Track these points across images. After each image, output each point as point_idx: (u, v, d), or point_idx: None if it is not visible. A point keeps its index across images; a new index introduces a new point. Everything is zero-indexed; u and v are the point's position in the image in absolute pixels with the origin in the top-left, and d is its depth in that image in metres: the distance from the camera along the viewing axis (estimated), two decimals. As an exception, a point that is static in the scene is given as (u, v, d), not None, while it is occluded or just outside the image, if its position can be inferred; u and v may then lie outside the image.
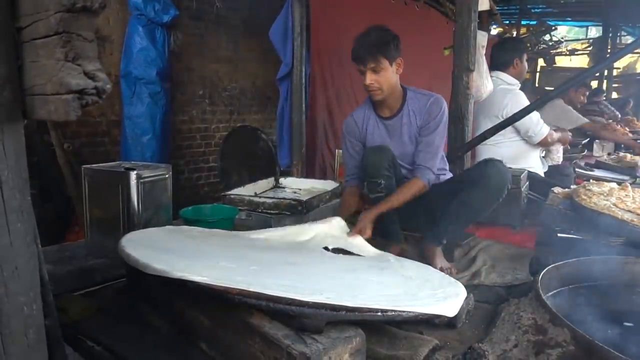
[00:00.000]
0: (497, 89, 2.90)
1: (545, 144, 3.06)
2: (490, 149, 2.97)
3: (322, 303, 0.96)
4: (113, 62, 3.66)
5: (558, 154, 3.54)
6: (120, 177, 1.84)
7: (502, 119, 2.85)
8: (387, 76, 1.91)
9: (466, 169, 2.08)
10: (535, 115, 2.86)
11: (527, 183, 2.76)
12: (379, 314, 0.99)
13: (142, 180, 1.85)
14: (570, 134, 3.37)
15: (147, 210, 1.88)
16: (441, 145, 2.03)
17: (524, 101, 2.88)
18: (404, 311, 1.02)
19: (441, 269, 1.82)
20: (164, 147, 3.87)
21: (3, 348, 0.49)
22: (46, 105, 0.47)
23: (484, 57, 2.78)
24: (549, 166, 3.30)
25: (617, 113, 6.11)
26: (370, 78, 1.90)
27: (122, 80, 3.67)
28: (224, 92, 4.83)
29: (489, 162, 1.91)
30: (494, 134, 2.58)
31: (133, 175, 1.82)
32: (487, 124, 2.91)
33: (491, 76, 2.92)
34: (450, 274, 1.78)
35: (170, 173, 2.00)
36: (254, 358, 1.00)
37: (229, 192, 2.51)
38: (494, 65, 3.02)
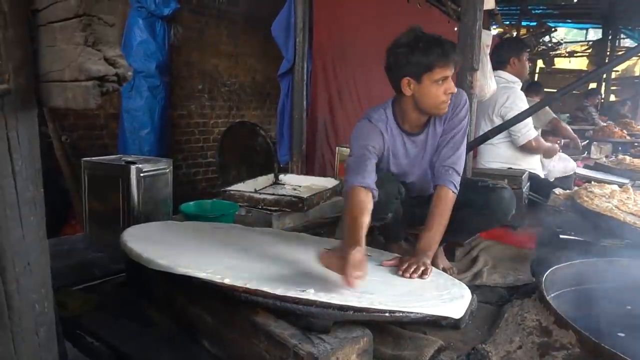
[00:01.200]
0: (497, 88, 2.90)
1: (529, 148, 2.95)
2: (492, 149, 2.97)
3: (329, 303, 0.94)
4: (129, 66, 3.63)
5: (553, 167, 3.43)
6: (120, 170, 1.81)
7: (499, 118, 2.86)
8: None
9: (473, 185, 1.82)
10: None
11: (528, 184, 2.76)
12: (387, 314, 0.97)
13: (142, 174, 1.83)
14: (558, 147, 3.30)
15: (147, 204, 1.86)
16: (464, 141, 1.75)
17: (522, 100, 2.89)
18: (411, 312, 1.00)
19: (443, 269, 1.80)
20: (162, 141, 3.84)
21: (14, 347, 0.47)
22: (64, 92, 0.45)
23: (488, 57, 2.76)
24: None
25: (599, 121, 6.17)
26: (453, 84, 1.61)
27: (121, 73, 3.64)
28: (224, 87, 4.80)
29: (498, 190, 1.75)
30: (497, 134, 2.58)
31: (134, 169, 1.79)
32: (486, 123, 2.91)
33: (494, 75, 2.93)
34: (452, 274, 1.77)
35: (171, 167, 1.98)
36: (259, 357, 0.99)
37: (229, 188, 2.49)
38: (495, 65, 3.00)
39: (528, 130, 2.88)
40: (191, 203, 2.18)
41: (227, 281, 1.01)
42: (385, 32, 3.70)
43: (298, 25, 3.10)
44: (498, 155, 2.97)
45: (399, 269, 1.45)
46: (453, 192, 1.65)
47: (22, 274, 0.48)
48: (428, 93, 1.60)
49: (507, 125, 2.55)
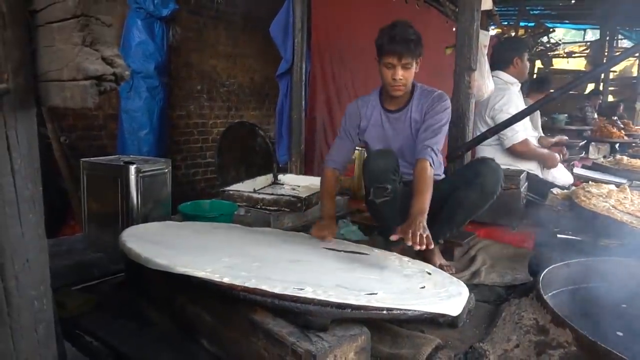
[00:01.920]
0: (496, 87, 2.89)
1: (516, 152, 2.87)
2: (490, 150, 2.97)
3: (327, 301, 0.95)
4: (126, 66, 3.63)
5: (554, 178, 3.15)
6: (119, 170, 1.82)
7: (490, 120, 2.84)
8: (412, 74, 1.91)
9: (459, 168, 2.06)
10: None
11: (526, 184, 2.76)
12: (384, 312, 0.98)
13: (141, 175, 1.83)
14: (559, 157, 3.06)
15: (146, 204, 1.86)
16: (442, 130, 1.94)
17: (514, 102, 2.83)
18: (409, 310, 1.01)
19: (440, 267, 1.82)
20: (161, 142, 3.84)
21: (13, 344, 0.47)
22: (62, 91, 0.45)
23: (486, 57, 2.77)
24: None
25: (595, 121, 6.17)
26: (401, 73, 1.87)
27: (120, 74, 3.64)
28: (222, 88, 4.80)
29: (482, 161, 1.95)
30: (494, 134, 2.58)
31: (132, 169, 1.80)
32: (481, 124, 2.91)
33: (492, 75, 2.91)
34: (449, 272, 1.78)
35: (170, 168, 1.98)
36: (257, 355, 0.99)
37: (228, 188, 2.49)
38: (494, 65, 2.98)
39: (513, 134, 2.79)
40: (189, 203, 2.18)
41: (225, 280, 1.01)
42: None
43: (296, 26, 3.11)
44: (497, 155, 2.97)
45: (407, 241, 1.50)
46: (430, 164, 1.84)
47: (21, 271, 0.48)
48: (381, 73, 1.92)
49: (500, 127, 2.53)
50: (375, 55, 1.95)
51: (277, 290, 0.94)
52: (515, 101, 2.86)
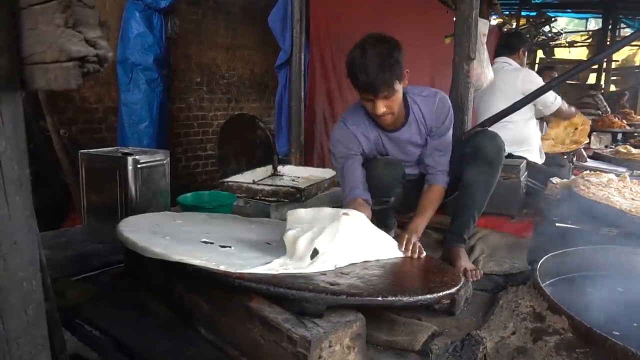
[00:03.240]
0: (508, 69, 3.00)
1: (560, 114, 3.12)
2: (513, 125, 2.97)
3: (322, 287, 0.95)
4: (109, 47, 3.62)
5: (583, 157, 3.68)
6: (117, 162, 1.82)
7: (522, 95, 2.87)
8: (398, 98, 1.68)
9: (458, 143, 1.94)
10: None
11: (526, 173, 2.76)
12: (379, 298, 0.98)
13: (139, 166, 1.84)
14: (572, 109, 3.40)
15: (145, 195, 1.87)
16: (450, 140, 1.89)
17: (539, 78, 2.99)
18: (404, 297, 1.01)
19: (465, 270, 1.71)
20: (161, 134, 3.85)
21: (2, 324, 0.48)
22: (46, 74, 0.45)
23: (485, 46, 2.76)
24: (545, 156, 3.29)
25: (608, 108, 6.15)
26: (382, 105, 1.64)
27: (119, 67, 3.64)
28: (222, 80, 4.80)
29: (477, 134, 1.90)
30: (517, 109, 2.58)
31: (130, 160, 1.80)
32: (501, 103, 2.89)
33: (498, 61, 3.07)
34: (475, 277, 1.71)
35: (169, 159, 1.98)
36: (254, 342, 1.00)
37: (227, 180, 2.50)
38: (502, 51, 3.15)
39: (555, 98, 2.98)
40: (189, 194, 2.18)
41: (222, 268, 1.02)
42: (384, 21, 3.69)
43: (295, 17, 3.10)
44: (502, 138, 2.98)
45: (400, 247, 1.55)
46: (443, 187, 1.84)
47: (8, 252, 0.49)
48: (366, 106, 1.71)
49: (527, 100, 2.55)
50: None
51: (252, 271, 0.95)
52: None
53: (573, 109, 3.40)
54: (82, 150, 1.93)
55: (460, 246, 1.84)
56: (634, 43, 8.98)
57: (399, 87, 1.64)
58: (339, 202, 2.71)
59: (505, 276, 1.84)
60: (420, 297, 1.03)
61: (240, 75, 4.98)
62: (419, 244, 1.57)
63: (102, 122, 3.75)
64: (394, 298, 0.99)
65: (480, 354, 1.31)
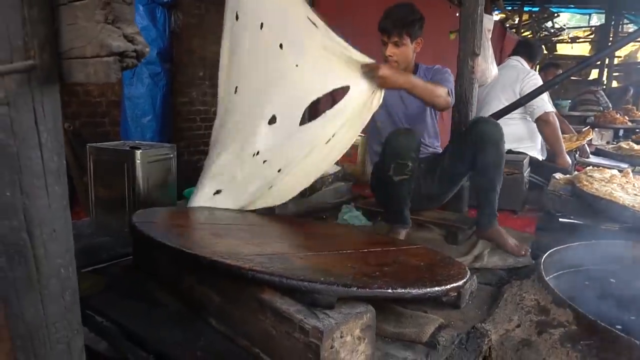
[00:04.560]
0: (515, 67, 3.03)
1: (545, 120, 2.94)
2: (513, 122, 2.99)
3: (334, 280, 0.97)
4: (146, 43, 3.62)
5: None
6: (125, 155, 1.83)
7: (516, 94, 2.92)
8: (406, 52, 2.05)
9: (462, 134, 2.10)
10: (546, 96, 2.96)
11: (529, 169, 2.78)
12: (389, 290, 1.00)
13: (147, 160, 1.85)
14: (569, 162, 3.12)
15: (153, 189, 1.89)
16: (450, 82, 2.08)
17: (540, 82, 3.00)
18: (413, 289, 1.03)
19: (515, 247, 1.95)
20: (165, 128, 3.85)
21: (43, 309, 0.50)
22: (85, 68, 0.47)
23: (490, 42, 2.77)
24: (548, 152, 3.31)
25: (610, 104, 6.14)
26: (390, 50, 2.03)
27: (123, 60, 3.64)
28: (225, 74, 4.80)
29: (478, 121, 2.04)
30: (515, 109, 2.63)
31: (139, 154, 1.81)
32: (500, 99, 2.93)
33: (512, 59, 3.16)
34: (525, 252, 1.92)
35: (175, 153, 2.00)
36: (266, 333, 1.02)
37: (232, 174, 2.51)
38: (520, 52, 3.24)
39: (543, 103, 2.92)
40: (194, 188, 2.20)
41: (234, 261, 1.03)
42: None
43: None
44: (516, 132, 3.01)
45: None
46: (446, 90, 1.96)
47: (49, 240, 0.51)
48: (382, 50, 2.08)
49: (525, 100, 2.60)
50: (379, 37, 2.04)
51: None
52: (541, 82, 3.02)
53: (563, 143, 3.11)
54: (90, 144, 1.94)
55: (497, 226, 2.02)
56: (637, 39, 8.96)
57: (408, 42, 2.02)
58: (343, 197, 2.73)
59: (509, 270, 1.86)
60: (428, 289, 1.05)
61: (242, 69, 4.98)
62: (386, 71, 1.70)
63: (106, 116, 3.76)
64: (403, 290, 1.01)
65: (485, 347, 1.34)
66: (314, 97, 1.69)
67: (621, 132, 5.73)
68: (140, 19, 3.63)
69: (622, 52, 9.31)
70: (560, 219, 2.16)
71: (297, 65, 1.64)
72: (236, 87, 1.76)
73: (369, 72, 1.70)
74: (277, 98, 1.70)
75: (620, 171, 2.52)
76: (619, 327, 1.45)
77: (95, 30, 0.46)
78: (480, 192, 2.04)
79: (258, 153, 1.72)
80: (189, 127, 4.52)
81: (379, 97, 1.74)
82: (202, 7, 4.40)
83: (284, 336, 0.97)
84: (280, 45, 1.66)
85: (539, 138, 3.09)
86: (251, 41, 1.71)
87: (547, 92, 2.91)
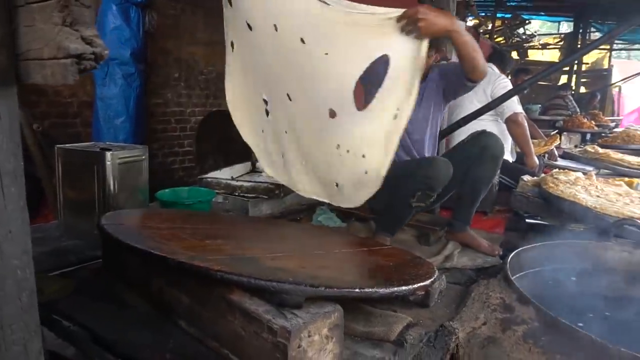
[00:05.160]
0: (489, 72, 3.10)
1: (514, 121, 3.01)
2: (484, 124, 3.05)
3: (302, 280, 0.98)
4: (105, 46, 3.55)
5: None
6: (95, 157, 1.81)
7: (490, 96, 3.00)
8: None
9: (460, 145, 2.14)
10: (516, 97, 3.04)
11: (499, 171, 2.85)
12: (357, 290, 1.02)
13: (118, 161, 1.82)
14: (537, 163, 3.19)
15: (123, 191, 1.86)
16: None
17: (510, 86, 3.09)
18: (380, 288, 1.05)
19: (488, 247, 2.03)
20: (138, 130, 3.80)
21: (-2, 311, 0.50)
22: (42, 69, 0.47)
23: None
24: (517, 155, 3.40)
25: (578, 109, 6.37)
26: None
27: (95, 60, 3.58)
28: (201, 76, 4.76)
29: (482, 134, 2.06)
30: (487, 111, 2.70)
31: (109, 155, 1.79)
32: (472, 102, 3.01)
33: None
34: (498, 252, 1.99)
35: (147, 154, 1.97)
36: (234, 333, 1.02)
37: (206, 176, 2.50)
38: (492, 59, 3.31)
39: (513, 104, 3.00)
40: (167, 190, 2.18)
41: (202, 262, 1.03)
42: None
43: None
44: None
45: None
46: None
47: (4, 241, 0.51)
48: None
49: (497, 102, 2.67)
50: None
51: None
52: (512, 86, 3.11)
53: (531, 144, 3.19)
54: (58, 145, 1.90)
55: (469, 229, 2.11)
56: (602, 47, 9.32)
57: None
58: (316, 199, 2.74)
59: (477, 270, 1.91)
60: (395, 288, 1.08)
61: (219, 71, 4.94)
62: (426, 12, 1.50)
63: (77, 117, 3.69)
64: (370, 290, 1.03)
65: (452, 344, 1.37)
66: (357, 77, 1.59)
67: (588, 136, 5.92)
68: (113, 19, 3.57)
69: (589, 59, 9.65)
70: (527, 220, 2.23)
71: (326, 54, 1.57)
72: (288, 95, 1.73)
73: (408, 22, 1.50)
74: (323, 92, 1.66)
75: (584, 174, 2.61)
76: (580, 324, 1.52)
77: (53, 32, 0.46)
78: (463, 200, 2.09)
79: (339, 146, 1.69)
80: (163, 128, 4.47)
81: (425, 47, 1.54)
82: (177, 7, 4.36)
83: (253, 336, 0.97)
84: (302, 40, 1.57)
85: (509, 140, 3.18)
86: (273, 47, 1.66)
87: (517, 95, 3.00)
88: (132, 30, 3.67)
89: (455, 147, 2.21)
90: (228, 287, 1.05)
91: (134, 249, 1.15)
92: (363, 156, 1.65)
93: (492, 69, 3.24)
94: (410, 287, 1.12)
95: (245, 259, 1.19)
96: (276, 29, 1.59)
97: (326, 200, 1.89)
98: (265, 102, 1.84)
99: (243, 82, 1.89)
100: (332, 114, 1.67)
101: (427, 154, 2.15)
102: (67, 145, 1.93)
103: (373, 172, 1.64)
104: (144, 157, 1.95)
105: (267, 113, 1.85)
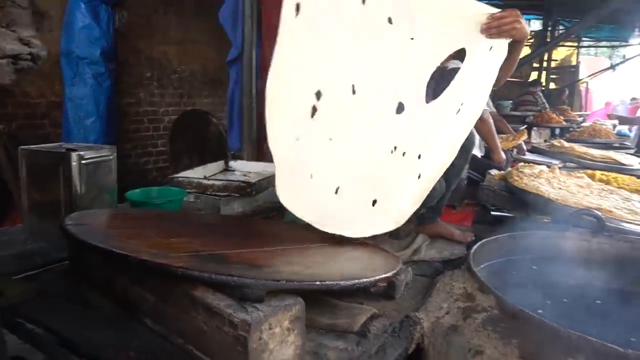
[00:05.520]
0: (455, 68, 3.12)
1: (479, 118, 3.02)
2: None
3: (263, 274, 1.00)
4: (52, 39, 3.48)
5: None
6: (60, 158, 1.78)
7: None
8: None
9: None
10: None
11: (467, 165, 2.92)
12: (317, 282, 1.04)
13: (84, 162, 1.80)
14: (504, 158, 3.22)
15: (90, 192, 1.84)
16: None
17: None
18: (341, 280, 1.08)
19: (461, 235, 2.11)
20: (110, 130, 3.75)
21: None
22: (-24, 69, 0.48)
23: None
24: (485, 149, 3.49)
25: (547, 105, 6.54)
26: None
27: (63, 60, 3.52)
28: (174, 75, 4.73)
29: None
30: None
31: (74, 156, 1.77)
32: None
33: (452, 61, 3.18)
34: (471, 238, 2.06)
35: (115, 154, 1.96)
36: (198, 329, 1.04)
37: (177, 175, 2.49)
38: (459, 57, 3.26)
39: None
40: (137, 190, 2.17)
41: (164, 260, 1.04)
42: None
43: (246, 12, 3.10)
44: None
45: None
46: None
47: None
48: None
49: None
50: None
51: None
52: None
53: (498, 142, 3.20)
54: (22, 147, 1.87)
55: (439, 221, 2.18)
56: (570, 45, 9.59)
57: None
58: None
59: (444, 262, 1.96)
60: (356, 280, 1.10)
61: (192, 70, 4.92)
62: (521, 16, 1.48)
63: (45, 118, 3.62)
64: (331, 282, 1.05)
65: (417, 334, 1.41)
66: (434, 68, 1.51)
67: (557, 131, 6.09)
68: (82, 17, 3.52)
69: (558, 57, 9.92)
70: (492, 212, 2.29)
71: (412, 39, 1.43)
72: (353, 86, 1.44)
73: (508, 22, 1.49)
74: (396, 84, 1.49)
75: (548, 167, 2.70)
76: (540, 311, 1.58)
77: (-13, 33, 0.46)
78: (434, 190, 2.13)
79: (395, 149, 1.55)
80: (136, 128, 4.43)
81: (504, 48, 1.52)
82: (149, 6, 4.32)
83: (215, 331, 0.99)
84: (389, 20, 1.39)
85: (477, 136, 3.25)
86: (354, 26, 1.37)
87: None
88: (102, 29, 3.62)
89: None
90: (191, 284, 1.06)
91: (97, 249, 1.15)
92: (419, 157, 1.57)
93: (458, 66, 3.29)
94: (371, 279, 1.15)
95: (211, 256, 1.20)
96: (363, 2, 1.35)
97: (345, 234, 1.55)
98: (318, 95, 1.41)
99: (295, 72, 1.42)
100: (400, 109, 1.51)
101: None
102: (31, 146, 1.89)
103: (425, 176, 1.60)
104: (111, 157, 1.93)
105: (314, 112, 1.40)
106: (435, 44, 1.49)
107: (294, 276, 1.05)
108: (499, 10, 1.52)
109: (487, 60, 1.54)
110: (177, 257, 1.09)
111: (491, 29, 1.49)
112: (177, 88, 4.78)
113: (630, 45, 8.17)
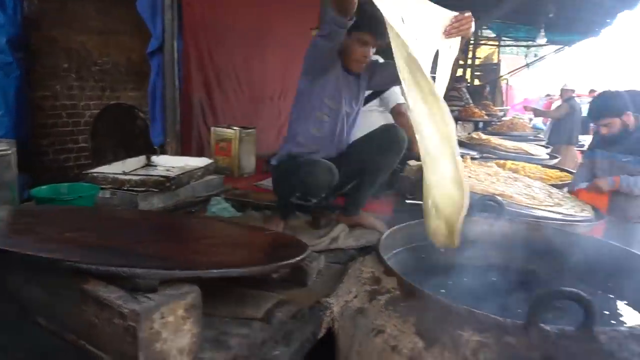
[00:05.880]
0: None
1: (398, 112, 3.07)
2: (373, 114, 3.16)
3: (154, 264, 0.99)
4: None
5: None
6: (-52, 152, 1.65)
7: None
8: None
9: (365, 136, 2.23)
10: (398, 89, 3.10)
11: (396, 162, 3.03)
12: (214, 270, 1.05)
13: (-23, 156, 1.69)
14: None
15: (-14, 189, 1.73)
16: None
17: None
18: (238, 269, 1.10)
19: (382, 225, 2.17)
20: (21, 125, 3.50)
21: None
22: None
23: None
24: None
25: (471, 100, 6.94)
26: (369, 53, 2.08)
27: (-38, 48, 3.23)
28: (94, 67, 4.48)
29: (390, 128, 2.19)
30: (373, 99, 2.82)
31: (-35, 150, 1.65)
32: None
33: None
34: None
35: (15, 149, 1.85)
36: (89, 323, 1.01)
37: (91, 170, 2.38)
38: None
39: (397, 95, 3.05)
40: (44, 187, 2.05)
41: (50, 254, 1.01)
42: (267, 15, 3.72)
43: (166, 3, 3.01)
44: (365, 123, 3.19)
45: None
46: None
47: None
48: (350, 48, 2.05)
49: (379, 92, 2.80)
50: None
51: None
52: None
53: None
54: None
55: (361, 212, 2.26)
56: (492, 43, 10.20)
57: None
58: (214, 190, 2.73)
59: (360, 250, 2.03)
60: (253, 267, 1.12)
61: (115, 62, 4.69)
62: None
63: (-56, 112, 3.31)
64: (226, 270, 1.07)
65: (327, 319, 1.46)
66: (429, 67, 1.54)
67: (480, 125, 6.47)
68: (-17, 2, 3.24)
69: (481, 54, 10.53)
70: (407, 201, 2.40)
71: (416, 39, 1.48)
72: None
73: (462, 23, 1.61)
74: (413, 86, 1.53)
75: (462, 157, 2.87)
76: (442, 290, 1.69)
77: None
78: (361, 186, 2.20)
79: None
80: (53, 123, 4.16)
81: (457, 46, 1.63)
82: (64, -8, 4.05)
83: (106, 323, 0.97)
84: (402, 19, 1.46)
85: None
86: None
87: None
88: (7, 15, 3.36)
89: (365, 137, 2.25)
90: (82, 278, 1.03)
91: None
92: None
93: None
94: (271, 265, 1.18)
95: (108, 249, 1.17)
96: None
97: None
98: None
99: None
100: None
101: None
102: None
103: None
104: (10, 151, 1.82)
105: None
106: (430, 43, 1.60)
107: (188, 264, 1.05)
108: (457, 13, 1.66)
109: (447, 58, 1.64)
110: (68, 251, 1.05)
111: (453, 30, 1.63)
112: (99, 81, 4.53)
113: (541, 45, 8.83)
